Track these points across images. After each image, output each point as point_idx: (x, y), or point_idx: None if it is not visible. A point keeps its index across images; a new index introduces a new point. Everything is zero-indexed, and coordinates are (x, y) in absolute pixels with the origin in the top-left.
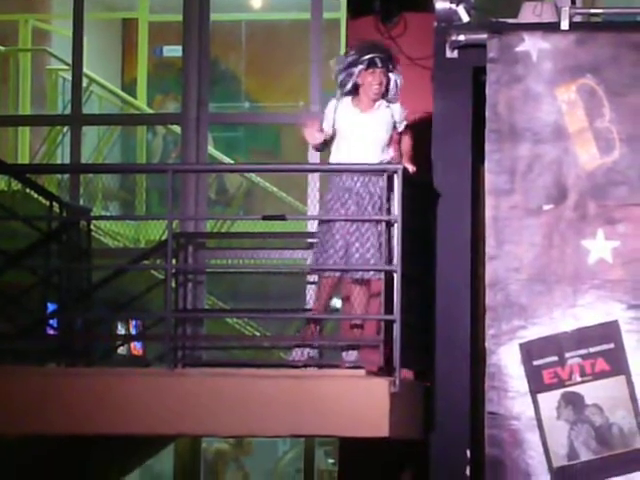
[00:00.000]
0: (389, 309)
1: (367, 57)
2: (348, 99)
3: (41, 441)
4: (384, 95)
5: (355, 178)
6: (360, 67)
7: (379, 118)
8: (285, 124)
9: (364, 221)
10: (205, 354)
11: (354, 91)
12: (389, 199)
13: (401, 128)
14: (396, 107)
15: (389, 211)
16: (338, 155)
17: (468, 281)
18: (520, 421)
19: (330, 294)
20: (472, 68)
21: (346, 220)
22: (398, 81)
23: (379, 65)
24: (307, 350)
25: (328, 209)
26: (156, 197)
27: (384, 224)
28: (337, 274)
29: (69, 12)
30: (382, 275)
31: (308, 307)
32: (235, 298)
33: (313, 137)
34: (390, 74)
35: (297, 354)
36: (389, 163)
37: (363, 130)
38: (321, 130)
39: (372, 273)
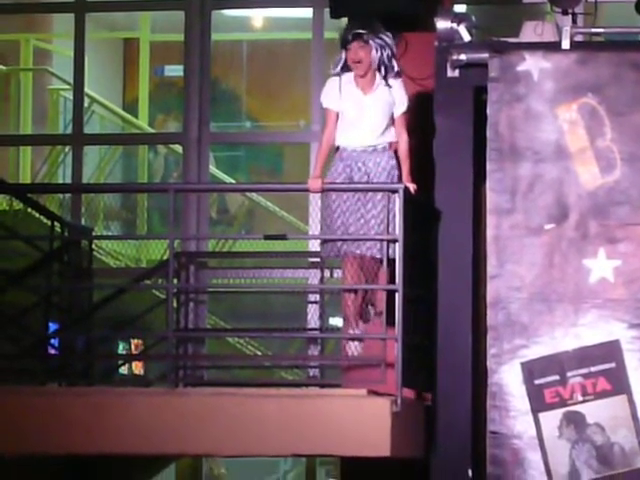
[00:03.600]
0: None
1: (342, 38)
2: (349, 76)
3: (42, 461)
4: (380, 68)
5: (359, 158)
6: (342, 50)
7: (379, 100)
8: (286, 143)
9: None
10: (206, 373)
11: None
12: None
13: (398, 112)
14: (396, 86)
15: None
16: (342, 133)
17: (469, 300)
18: (522, 440)
19: (358, 273)
20: (473, 87)
21: (345, 239)
22: (385, 49)
23: (350, 40)
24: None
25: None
26: (157, 216)
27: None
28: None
29: (70, 32)
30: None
31: (309, 327)
32: (236, 317)
33: (317, 189)
34: (372, 42)
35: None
36: (394, 153)
37: (364, 112)
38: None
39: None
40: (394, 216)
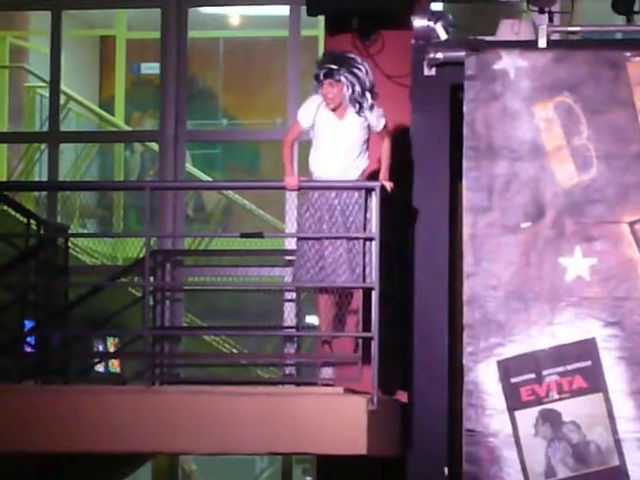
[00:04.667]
0: (367, 326)
1: (314, 74)
2: None
3: (17, 459)
4: (355, 100)
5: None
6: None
7: (351, 126)
8: (263, 141)
9: (342, 238)
10: (183, 372)
11: None
12: (366, 216)
13: (379, 128)
14: (369, 113)
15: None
16: (315, 156)
17: (446, 298)
18: (498, 438)
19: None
20: (450, 85)
21: (322, 237)
22: (356, 86)
23: (322, 78)
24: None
25: (304, 223)
26: (134, 214)
27: (361, 241)
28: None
29: (47, 29)
30: (360, 291)
31: (286, 325)
32: (213, 315)
33: (294, 186)
34: (343, 79)
35: (327, 373)
36: (365, 179)
37: (337, 137)
38: (299, 130)
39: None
40: (371, 214)
